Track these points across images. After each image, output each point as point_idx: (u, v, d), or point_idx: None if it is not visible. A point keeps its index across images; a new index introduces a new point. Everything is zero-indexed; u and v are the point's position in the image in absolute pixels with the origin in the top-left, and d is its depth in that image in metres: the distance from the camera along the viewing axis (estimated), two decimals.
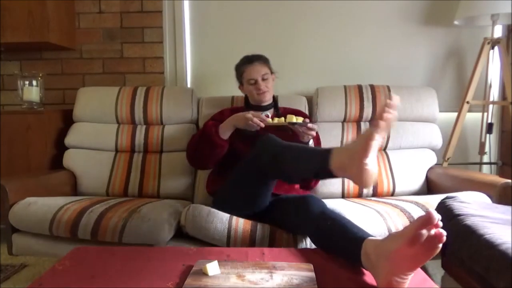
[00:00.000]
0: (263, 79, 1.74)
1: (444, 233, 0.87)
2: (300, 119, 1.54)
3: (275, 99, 1.87)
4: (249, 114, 1.57)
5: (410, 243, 0.89)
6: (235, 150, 1.68)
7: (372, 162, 1.09)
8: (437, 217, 0.87)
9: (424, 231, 0.88)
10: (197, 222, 1.42)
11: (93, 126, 2.11)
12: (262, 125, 1.55)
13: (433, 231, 0.87)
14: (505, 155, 2.27)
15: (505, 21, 2.11)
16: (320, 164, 1.21)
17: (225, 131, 1.65)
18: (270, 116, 1.80)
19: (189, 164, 1.84)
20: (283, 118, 1.56)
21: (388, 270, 0.93)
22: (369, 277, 1.02)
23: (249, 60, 1.78)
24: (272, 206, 1.51)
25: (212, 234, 1.40)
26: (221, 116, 1.77)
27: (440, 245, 0.88)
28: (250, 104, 1.84)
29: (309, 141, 1.61)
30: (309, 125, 1.54)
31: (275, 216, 1.47)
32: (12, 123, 2.01)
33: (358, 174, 1.10)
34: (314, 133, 1.58)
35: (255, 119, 1.55)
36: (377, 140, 1.08)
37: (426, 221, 0.88)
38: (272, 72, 1.81)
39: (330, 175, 1.20)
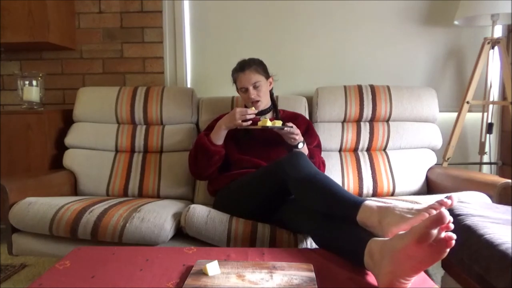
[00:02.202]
0: (255, 87, 1.70)
1: (454, 237, 0.84)
2: (279, 123, 1.56)
3: (274, 102, 1.84)
4: (237, 110, 1.61)
5: (418, 242, 0.86)
6: (230, 154, 1.71)
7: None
8: (449, 217, 0.84)
9: (434, 231, 0.84)
10: (197, 223, 1.42)
11: (93, 126, 2.11)
12: (252, 116, 1.61)
13: (443, 234, 0.84)
14: (505, 155, 2.27)
15: (505, 21, 2.11)
16: (347, 213, 1.15)
17: (217, 136, 1.66)
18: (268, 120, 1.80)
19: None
20: (275, 122, 1.57)
21: (390, 269, 0.91)
22: (369, 278, 1.02)
23: (241, 67, 1.73)
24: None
25: (212, 235, 1.41)
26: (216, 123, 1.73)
27: (448, 250, 0.85)
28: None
29: (297, 144, 1.60)
30: (286, 129, 1.55)
31: (277, 216, 1.47)
32: (12, 123, 2.01)
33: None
34: (296, 137, 1.58)
35: (244, 115, 1.59)
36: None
37: (437, 220, 0.84)
38: (268, 77, 1.77)
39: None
